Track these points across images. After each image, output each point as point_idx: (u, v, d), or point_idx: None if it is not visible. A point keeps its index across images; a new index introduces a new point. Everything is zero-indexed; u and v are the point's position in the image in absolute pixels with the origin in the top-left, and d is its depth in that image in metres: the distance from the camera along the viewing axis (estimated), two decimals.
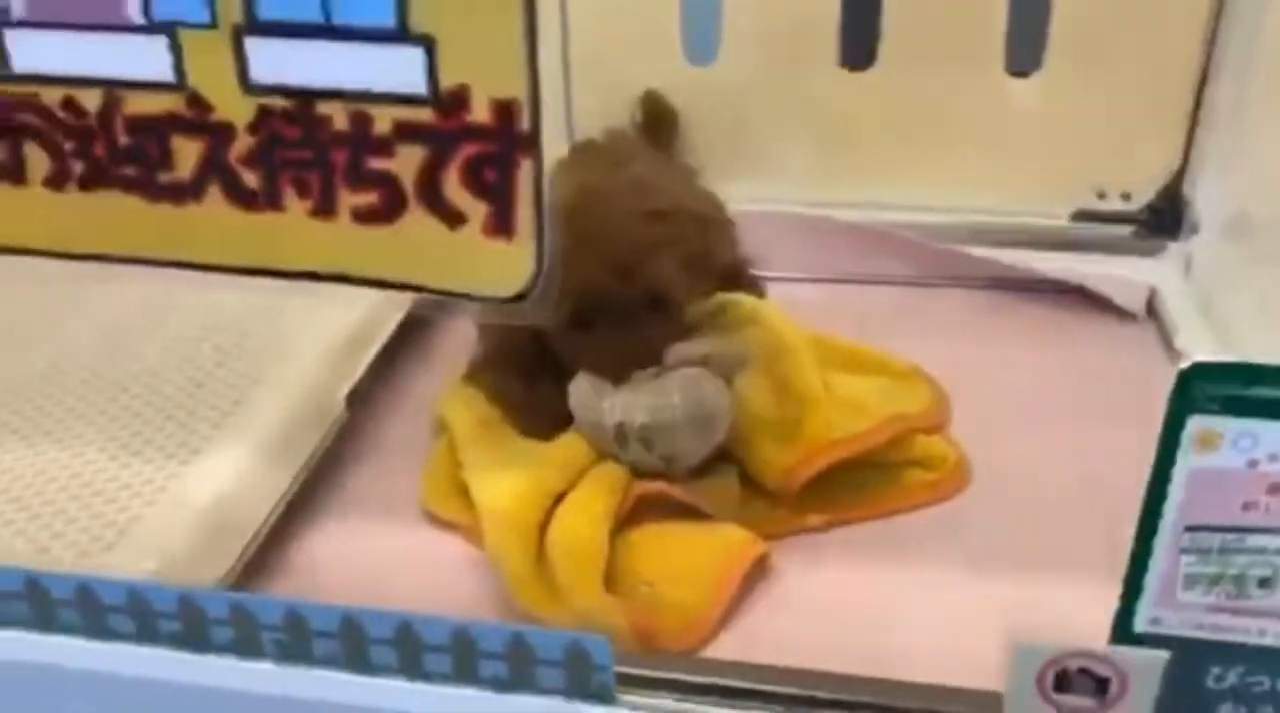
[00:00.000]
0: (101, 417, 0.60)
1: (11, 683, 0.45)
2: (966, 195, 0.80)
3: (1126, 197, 0.79)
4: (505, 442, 0.59)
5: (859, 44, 0.77)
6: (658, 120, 0.80)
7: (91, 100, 0.37)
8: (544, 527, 0.53)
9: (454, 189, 0.36)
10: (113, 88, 0.37)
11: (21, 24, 0.36)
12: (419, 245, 0.36)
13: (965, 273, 0.78)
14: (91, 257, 0.39)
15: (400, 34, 0.34)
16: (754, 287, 0.68)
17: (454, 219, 0.36)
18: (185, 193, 0.37)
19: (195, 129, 0.37)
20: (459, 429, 0.60)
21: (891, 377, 0.67)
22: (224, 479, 0.55)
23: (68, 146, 0.37)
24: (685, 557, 0.54)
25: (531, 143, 0.34)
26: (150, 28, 0.35)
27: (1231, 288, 0.71)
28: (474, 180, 0.35)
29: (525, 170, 0.35)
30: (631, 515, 0.55)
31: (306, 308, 0.65)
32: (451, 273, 0.37)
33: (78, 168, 0.38)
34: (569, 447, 0.56)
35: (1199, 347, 0.68)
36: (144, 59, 0.36)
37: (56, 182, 0.38)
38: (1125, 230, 0.79)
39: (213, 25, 0.35)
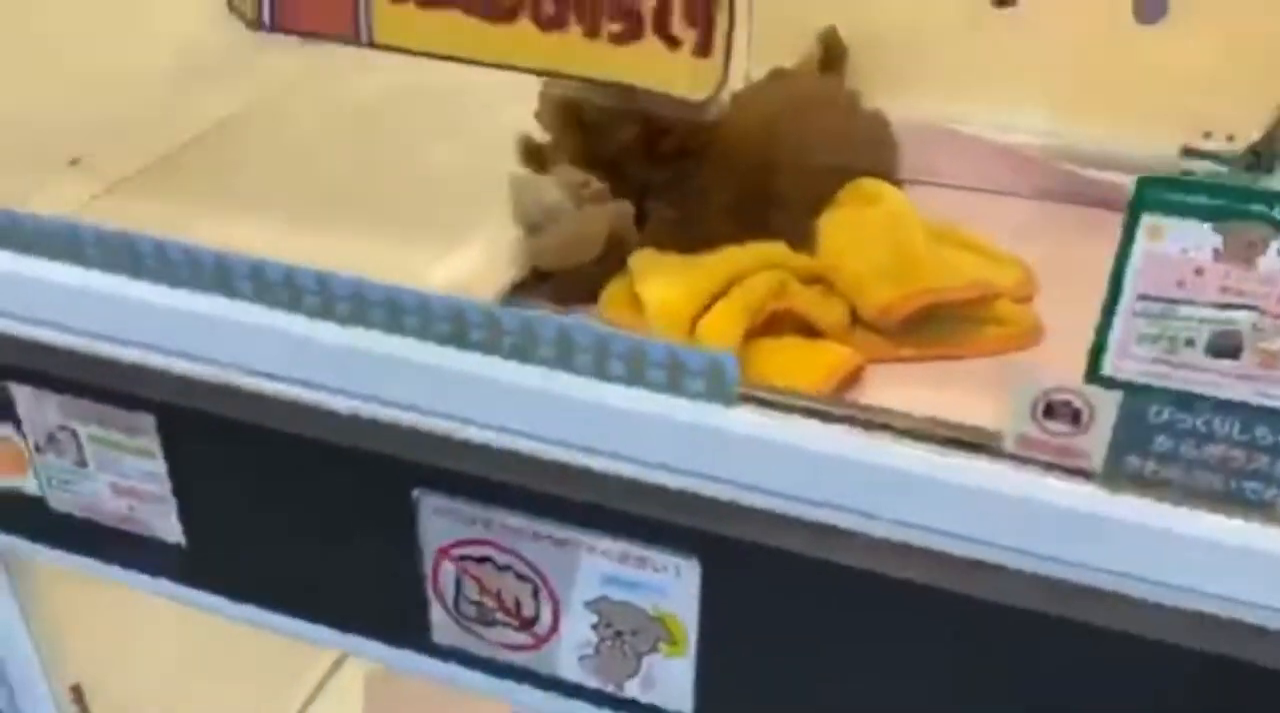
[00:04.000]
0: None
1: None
2: (1090, 125, 0.89)
3: (1231, 138, 0.85)
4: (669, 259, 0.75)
5: None
6: (831, 52, 0.93)
7: None
8: (696, 321, 0.69)
9: (676, 23, 0.54)
10: None
11: None
12: (650, 59, 0.55)
13: (1077, 190, 0.87)
14: (444, 57, 0.59)
15: None
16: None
17: (674, 43, 0.55)
18: (506, 16, 0.57)
19: None
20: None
21: (991, 258, 0.79)
22: (465, 268, 0.73)
23: None
24: (799, 359, 0.69)
25: None
26: None
27: None
28: (689, 18, 0.54)
29: (723, 11, 0.53)
30: (765, 326, 0.70)
31: None
32: (667, 79, 0.55)
33: None
34: (719, 265, 0.73)
35: None
36: None
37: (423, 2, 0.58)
38: (1222, 169, 0.84)
39: None
